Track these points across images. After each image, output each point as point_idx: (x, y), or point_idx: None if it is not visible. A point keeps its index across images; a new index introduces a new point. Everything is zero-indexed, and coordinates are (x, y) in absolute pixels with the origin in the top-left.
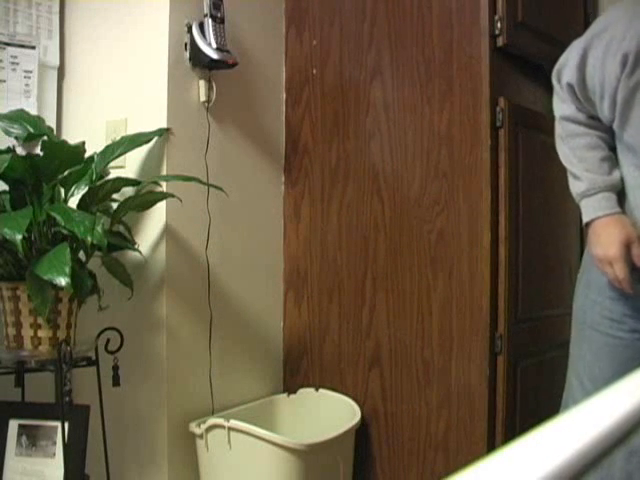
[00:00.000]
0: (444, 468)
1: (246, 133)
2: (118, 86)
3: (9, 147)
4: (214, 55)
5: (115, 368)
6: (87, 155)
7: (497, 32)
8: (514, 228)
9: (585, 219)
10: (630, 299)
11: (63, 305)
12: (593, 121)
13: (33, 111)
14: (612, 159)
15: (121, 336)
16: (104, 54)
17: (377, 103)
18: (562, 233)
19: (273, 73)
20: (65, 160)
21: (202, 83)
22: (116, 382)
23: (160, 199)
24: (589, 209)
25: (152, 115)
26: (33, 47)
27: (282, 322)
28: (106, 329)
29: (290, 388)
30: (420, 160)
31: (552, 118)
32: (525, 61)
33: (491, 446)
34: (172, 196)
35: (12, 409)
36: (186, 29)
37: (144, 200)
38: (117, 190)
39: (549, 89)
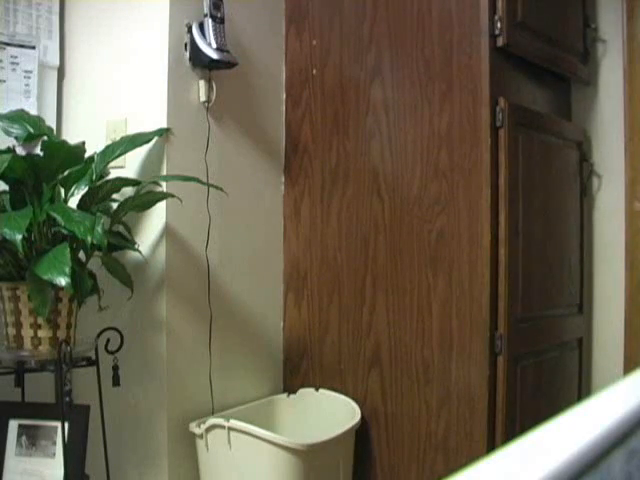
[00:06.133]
0: (444, 468)
1: (246, 133)
2: (118, 86)
3: (9, 147)
4: (214, 55)
5: (115, 368)
6: (87, 155)
7: (497, 32)
8: (514, 228)
9: None
10: None
11: (63, 305)
12: None
13: (33, 111)
14: None
15: (121, 336)
16: (104, 54)
17: (377, 103)
18: (562, 233)
19: (273, 73)
20: (65, 160)
21: (202, 83)
22: (116, 382)
23: (160, 199)
24: None
25: (152, 115)
26: (33, 47)
27: (282, 322)
28: (106, 329)
29: (290, 388)
30: (420, 160)
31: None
32: (525, 61)
33: (491, 446)
34: (172, 196)
35: (12, 409)
36: (186, 29)
37: (144, 200)
38: (117, 190)
39: (549, 89)
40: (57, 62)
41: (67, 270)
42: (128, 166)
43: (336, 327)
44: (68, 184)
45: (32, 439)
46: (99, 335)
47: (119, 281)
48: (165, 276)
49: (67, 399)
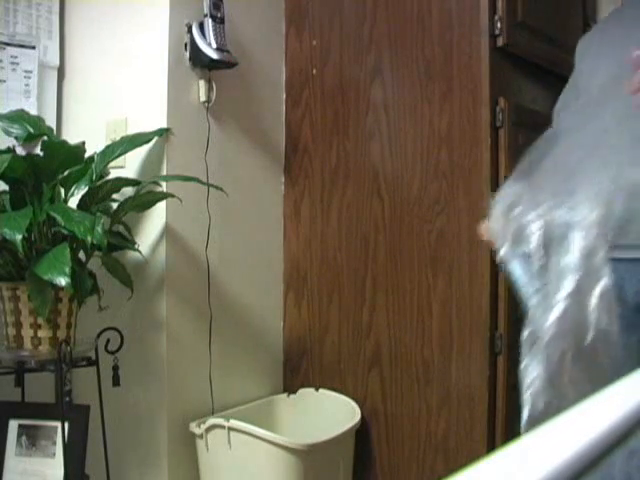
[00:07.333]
0: (444, 468)
1: (246, 133)
2: (118, 86)
3: (9, 147)
4: (214, 55)
5: (115, 368)
6: (87, 155)
7: (497, 32)
8: None
9: None
10: None
11: (63, 305)
12: None
13: (33, 111)
14: None
15: (121, 336)
16: (104, 54)
17: (377, 103)
18: None
19: (273, 73)
20: (65, 160)
21: (202, 83)
22: (116, 382)
23: (160, 199)
24: None
25: (152, 115)
26: (33, 47)
27: (282, 322)
28: (106, 329)
29: (290, 388)
30: (420, 160)
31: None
32: (525, 61)
33: (491, 446)
34: (172, 196)
35: (12, 409)
36: (186, 29)
37: (144, 200)
38: (117, 190)
39: (549, 89)
40: (57, 62)
41: (67, 270)
42: (128, 166)
43: (336, 327)
44: (68, 184)
45: (32, 439)
46: (99, 335)
47: (119, 281)
48: (165, 276)
49: (67, 399)
